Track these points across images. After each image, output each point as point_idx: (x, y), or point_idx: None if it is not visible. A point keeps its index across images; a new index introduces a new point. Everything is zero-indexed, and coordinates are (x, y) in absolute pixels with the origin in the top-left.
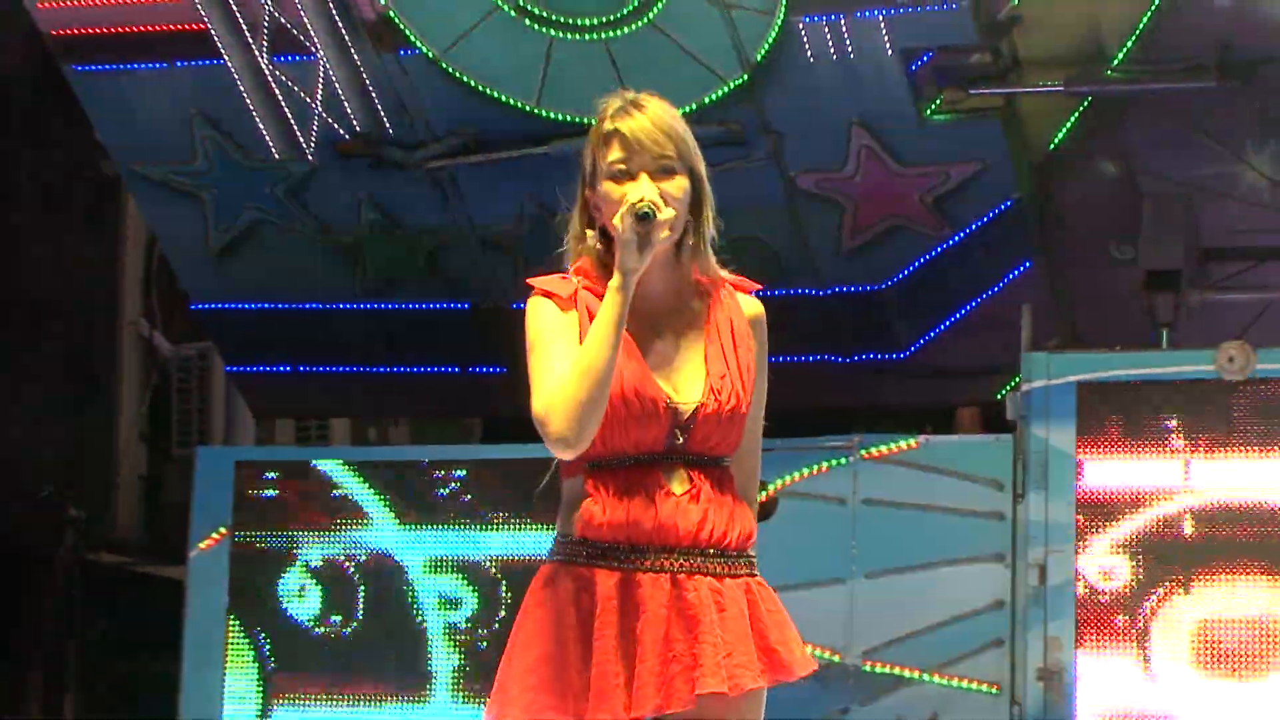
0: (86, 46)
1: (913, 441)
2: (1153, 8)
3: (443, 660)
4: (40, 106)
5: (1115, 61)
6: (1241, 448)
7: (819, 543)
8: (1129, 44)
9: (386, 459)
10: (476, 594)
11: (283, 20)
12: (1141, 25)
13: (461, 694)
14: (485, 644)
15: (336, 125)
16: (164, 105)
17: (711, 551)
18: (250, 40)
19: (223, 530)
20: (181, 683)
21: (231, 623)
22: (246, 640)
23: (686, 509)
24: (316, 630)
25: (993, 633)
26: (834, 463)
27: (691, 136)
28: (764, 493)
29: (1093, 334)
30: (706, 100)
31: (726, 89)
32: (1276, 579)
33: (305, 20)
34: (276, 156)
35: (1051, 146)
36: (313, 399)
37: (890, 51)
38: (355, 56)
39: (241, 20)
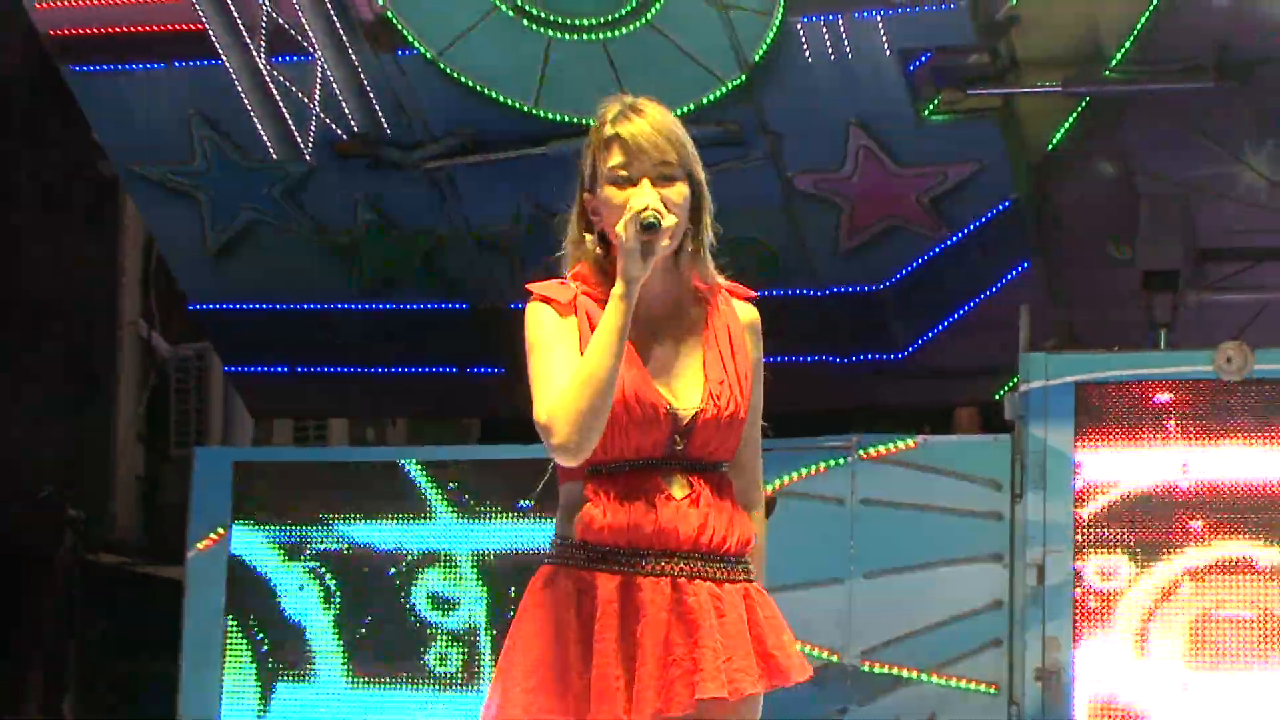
0: (84, 47)
1: (911, 442)
2: (1150, 8)
3: (440, 659)
4: (39, 107)
5: (1113, 62)
6: (1240, 448)
7: (817, 543)
8: (1127, 44)
9: (386, 459)
10: (473, 593)
11: (280, 21)
12: (1139, 26)
13: (459, 692)
14: (484, 642)
15: (334, 126)
16: (162, 105)
17: (711, 556)
18: (248, 41)
19: (221, 530)
20: (180, 682)
21: (230, 622)
22: (245, 640)
23: (687, 513)
24: (315, 630)
25: (991, 633)
26: (832, 463)
27: (691, 142)
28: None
29: (1090, 334)
30: (704, 101)
31: (724, 89)
32: (1274, 578)
33: (303, 21)
34: (274, 157)
35: (1049, 147)
36: (311, 399)
37: (888, 52)
38: (353, 57)
39: (239, 21)
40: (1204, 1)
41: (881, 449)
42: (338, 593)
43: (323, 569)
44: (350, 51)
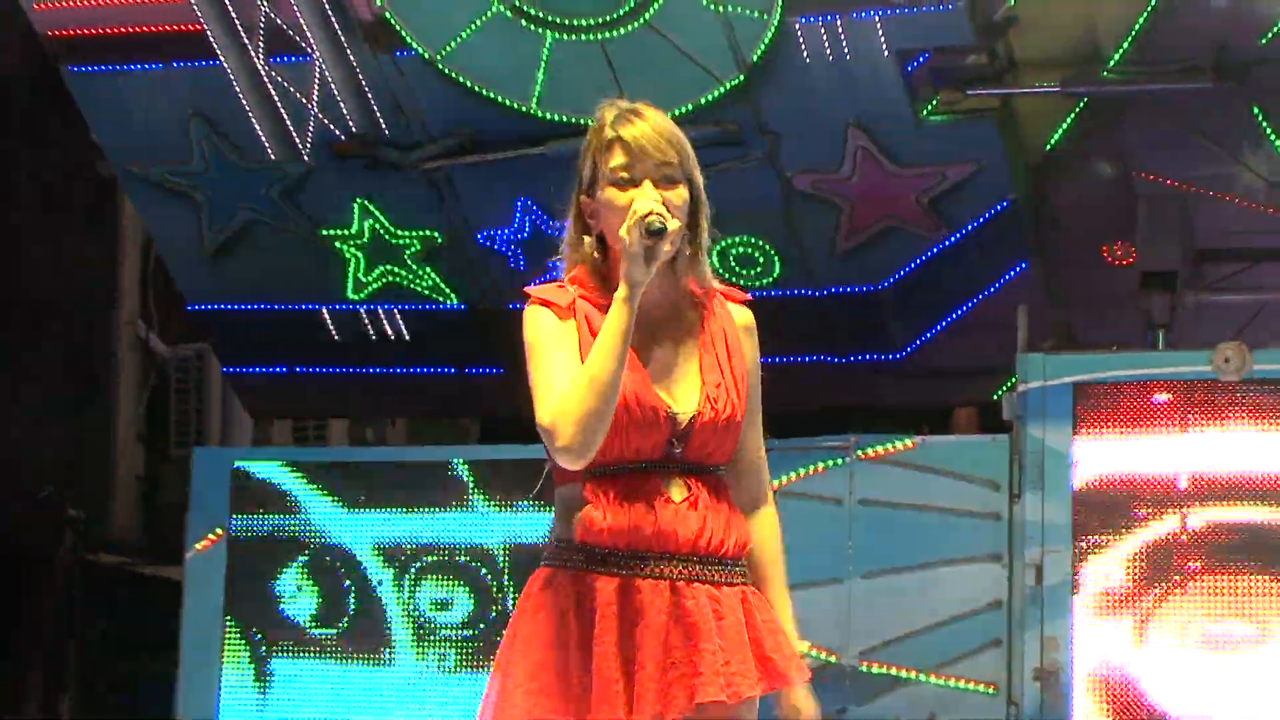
0: (83, 47)
1: (909, 442)
2: (1149, 9)
3: (439, 659)
4: (38, 107)
5: (1111, 62)
6: (1238, 448)
7: (816, 543)
8: (1125, 45)
9: (384, 460)
10: (470, 593)
11: (279, 21)
12: (1137, 26)
13: (455, 692)
14: (481, 641)
15: (332, 126)
16: (160, 106)
17: (709, 560)
18: (246, 41)
19: (220, 530)
20: (179, 682)
21: (228, 622)
22: (243, 640)
23: (686, 516)
24: (313, 630)
25: (990, 633)
26: (830, 463)
27: (690, 146)
28: None
29: (1089, 335)
30: (703, 101)
31: (723, 90)
32: (1273, 577)
33: (301, 21)
34: (272, 157)
35: (1048, 147)
36: (309, 400)
37: (886, 52)
38: (351, 57)
39: (238, 21)
40: (1202, 2)
41: (880, 449)
42: (336, 594)
43: (320, 569)
44: (348, 52)
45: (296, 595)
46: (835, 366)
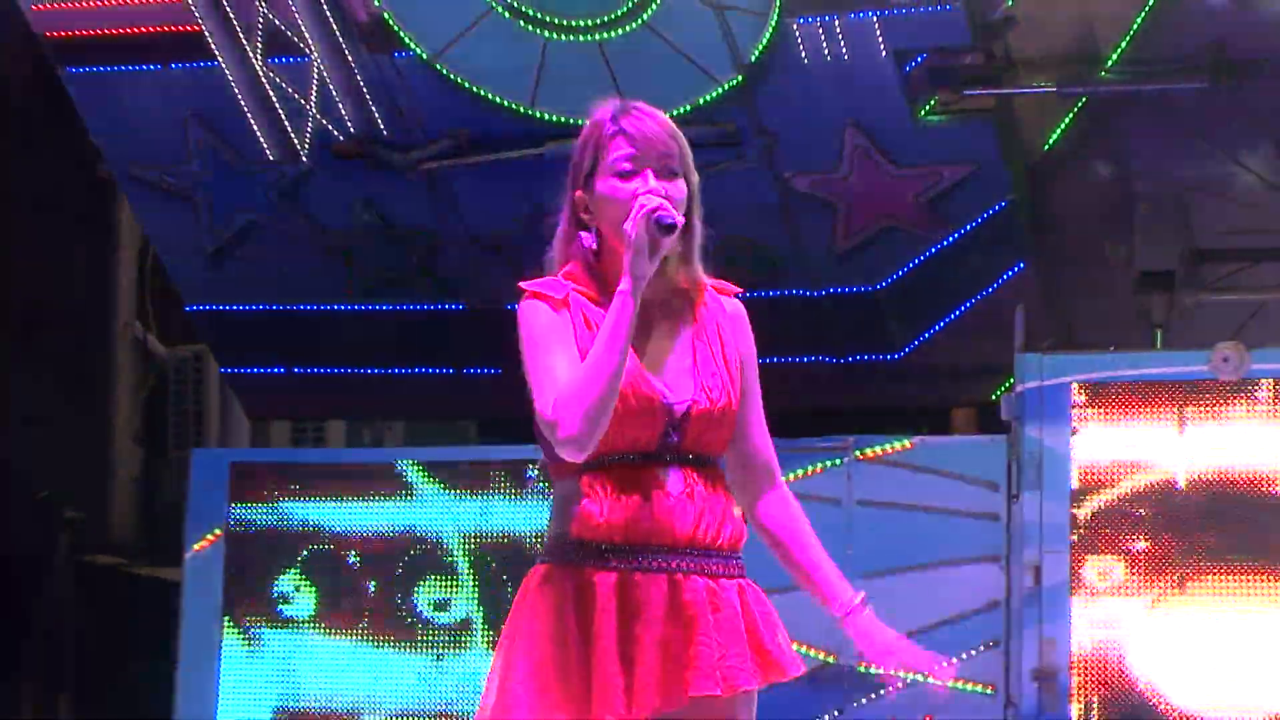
0: (81, 48)
1: (907, 442)
2: (1146, 9)
3: (437, 659)
4: (34, 108)
5: (1109, 62)
6: (1237, 448)
7: None
8: (1123, 45)
9: (382, 460)
10: (469, 592)
11: (277, 22)
12: (1135, 26)
13: (455, 691)
14: (479, 644)
15: (331, 127)
16: (158, 107)
17: (707, 552)
18: (244, 42)
19: (218, 532)
20: (177, 683)
21: (226, 624)
22: (241, 641)
23: (683, 508)
24: (312, 630)
25: (988, 634)
26: (828, 464)
27: (688, 144)
28: None
29: (1087, 335)
30: (700, 101)
31: (720, 90)
32: (1272, 577)
33: (299, 22)
34: (271, 158)
35: (1045, 148)
36: (308, 400)
37: (884, 53)
38: (349, 58)
39: (236, 22)
40: (1200, 2)
41: (878, 450)
42: (334, 594)
43: (319, 570)
44: (347, 53)
45: (295, 596)
46: (833, 367)
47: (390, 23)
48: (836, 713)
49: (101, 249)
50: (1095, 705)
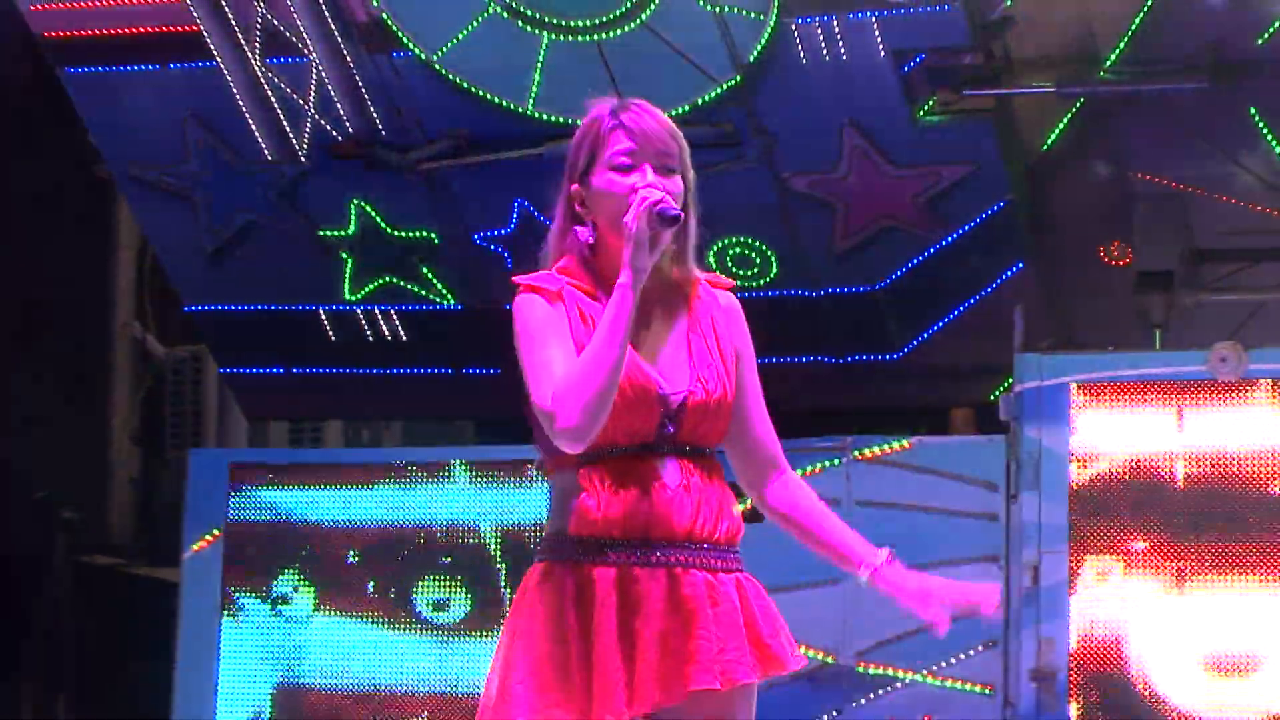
0: (79, 49)
1: (905, 443)
2: (1145, 9)
3: (436, 661)
4: (33, 109)
5: (1108, 62)
6: (1235, 448)
7: None
8: (1121, 45)
9: (381, 460)
10: (468, 592)
11: (275, 23)
12: (1134, 26)
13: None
14: (479, 644)
15: (329, 127)
16: (157, 108)
17: (705, 545)
18: (243, 43)
19: (216, 532)
20: (175, 684)
21: (225, 624)
22: (239, 642)
23: (681, 502)
24: (310, 630)
25: (986, 634)
26: (827, 464)
27: (686, 143)
28: None
29: (1085, 335)
30: (699, 101)
31: (719, 90)
32: (1271, 577)
33: (298, 23)
34: (269, 158)
35: (1044, 148)
36: (306, 401)
37: (883, 53)
38: (348, 59)
39: (234, 23)
40: (1199, 1)
41: (876, 450)
42: (333, 594)
43: (317, 570)
44: (345, 53)
45: (293, 596)
46: (832, 367)
47: (389, 23)
48: (835, 713)
49: (100, 249)
50: (1094, 705)
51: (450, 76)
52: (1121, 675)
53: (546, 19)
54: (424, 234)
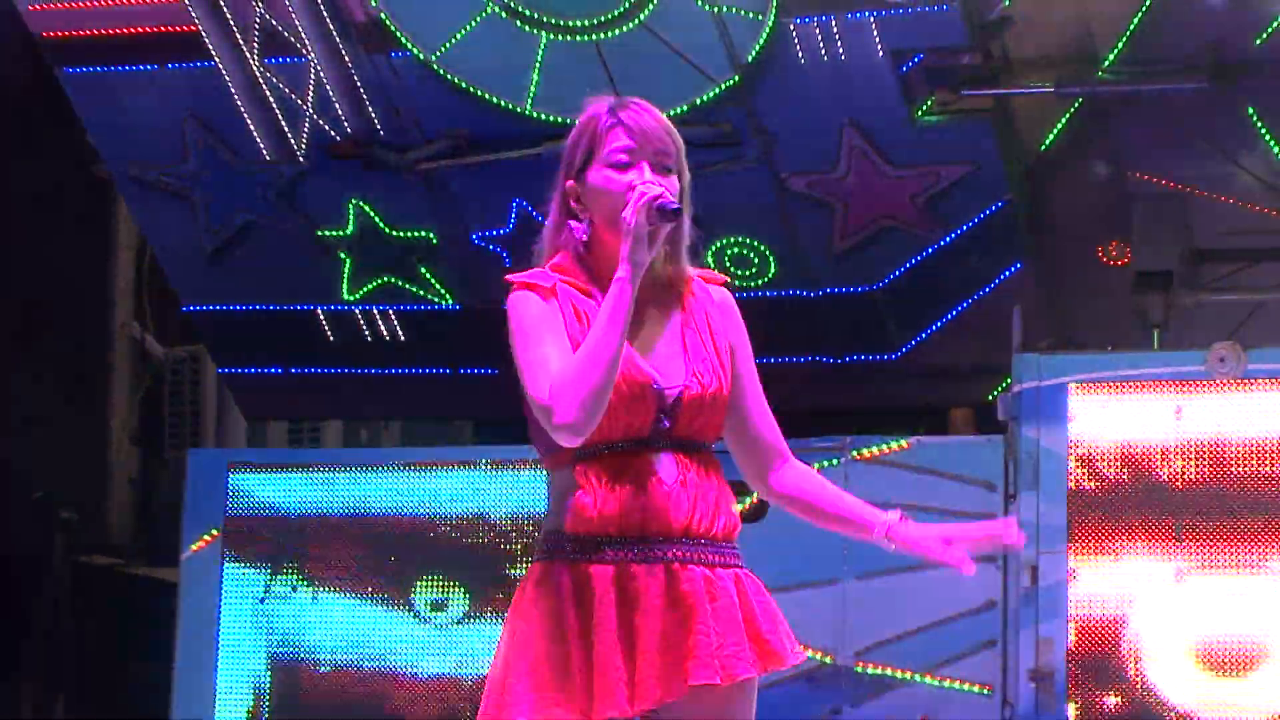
0: (78, 49)
1: (904, 442)
2: (1144, 9)
3: (435, 661)
4: (32, 109)
5: (1106, 62)
6: (1234, 448)
7: (810, 544)
8: (1120, 45)
9: (378, 460)
10: (466, 592)
11: (274, 23)
12: (1133, 26)
13: (451, 693)
14: (479, 643)
15: (328, 127)
16: (156, 108)
17: (703, 541)
18: (241, 43)
19: (215, 532)
20: (173, 684)
21: (223, 624)
22: (238, 642)
23: (678, 498)
24: (309, 630)
25: (985, 634)
26: (825, 464)
27: (683, 143)
28: (755, 494)
29: (1084, 335)
30: (698, 101)
31: (718, 90)
32: (1270, 579)
33: (296, 23)
34: (268, 158)
35: (1043, 148)
36: (304, 400)
37: (881, 53)
38: (346, 59)
39: (233, 23)
40: (1198, 1)
41: (875, 450)
42: (332, 595)
43: (316, 570)
44: (344, 53)
45: (292, 596)
46: (830, 367)
47: (387, 23)
48: (834, 713)
49: (100, 249)
50: (1092, 705)
51: (449, 76)
52: (1120, 675)
53: (545, 19)
54: (422, 234)
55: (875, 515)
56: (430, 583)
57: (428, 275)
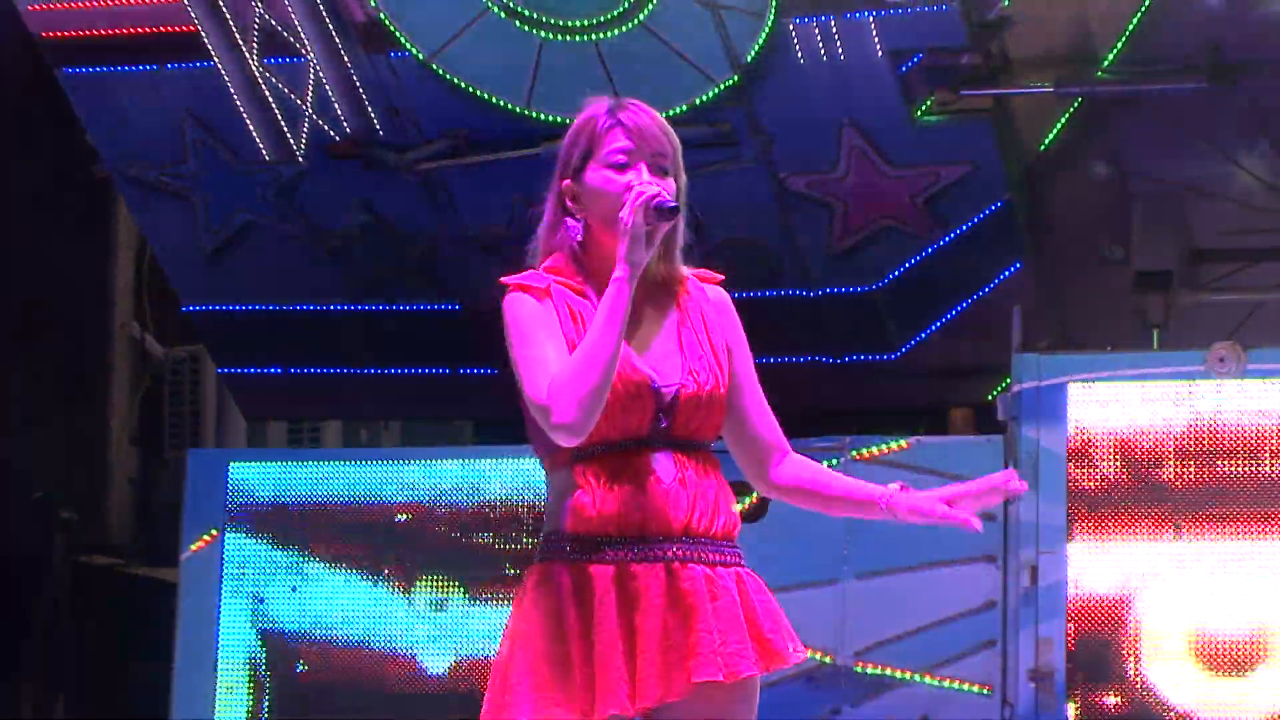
0: (77, 49)
1: (904, 442)
2: (1143, 9)
3: (434, 661)
4: (31, 109)
5: (1106, 62)
6: (1233, 449)
7: (810, 544)
8: (1120, 44)
9: (376, 459)
10: (466, 592)
11: (273, 23)
12: (1132, 26)
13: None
14: (481, 648)
15: (327, 127)
16: (155, 108)
17: (703, 540)
18: (240, 43)
19: (214, 532)
20: (173, 684)
21: (223, 624)
22: (238, 642)
23: (677, 497)
24: (309, 632)
25: (984, 634)
26: (825, 464)
27: (680, 145)
28: (754, 494)
29: (1083, 335)
30: (697, 101)
31: (717, 90)
32: (1270, 579)
33: (295, 23)
34: (267, 159)
35: (1042, 147)
36: (304, 401)
37: (880, 53)
38: (345, 59)
39: (232, 23)
40: (1197, 2)
41: (874, 450)
42: (332, 595)
43: (315, 571)
44: (343, 53)
45: (291, 596)
46: (829, 367)
47: (386, 23)
48: (833, 713)
49: (99, 249)
50: (1092, 705)
51: (448, 76)
52: (1120, 675)
53: (544, 19)
54: (421, 233)
55: (876, 489)
56: (432, 580)
57: (427, 275)
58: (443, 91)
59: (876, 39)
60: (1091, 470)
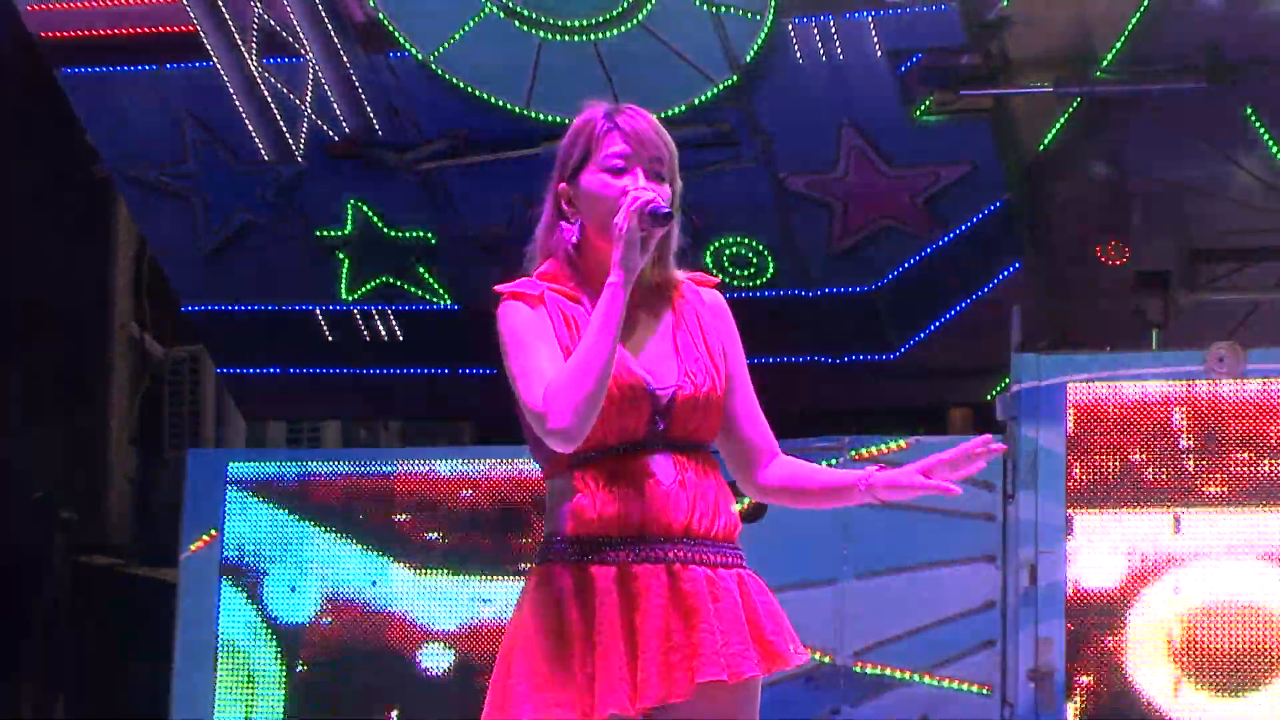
0: (76, 49)
1: (903, 442)
2: (1142, 8)
3: (434, 661)
4: (31, 109)
5: (1105, 62)
6: (1233, 449)
7: (809, 544)
8: (1119, 45)
9: (374, 460)
10: (464, 595)
11: (272, 23)
12: (1131, 26)
13: (452, 695)
14: (478, 648)
15: (326, 127)
16: (154, 108)
17: (703, 541)
18: (240, 43)
19: (214, 532)
20: (173, 684)
21: (222, 624)
22: (238, 642)
23: (676, 498)
24: (308, 632)
25: (983, 634)
26: (824, 464)
27: (676, 151)
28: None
29: (1083, 335)
30: (696, 101)
31: (716, 90)
32: (1268, 580)
33: (295, 23)
34: (266, 159)
35: (1041, 147)
36: (303, 401)
37: (880, 53)
38: (345, 59)
39: (231, 23)
40: (1196, 2)
41: (874, 450)
42: (331, 595)
43: (315, 570)
44: (342, 53)
45: (291, 596)
46: (829, 367)
47: (385, 23)
48: (833, 713)
49: (99, 249)
50: (1091, 705)
51: (447, 76)
52: (1119, 675)
53: (543, 19)
54: (421, 234)
55: (854, 474)
56: (432, 580)
57: (426, 275)
58: (442, 91)
59: (876, 39)
60: (1091, 470)
